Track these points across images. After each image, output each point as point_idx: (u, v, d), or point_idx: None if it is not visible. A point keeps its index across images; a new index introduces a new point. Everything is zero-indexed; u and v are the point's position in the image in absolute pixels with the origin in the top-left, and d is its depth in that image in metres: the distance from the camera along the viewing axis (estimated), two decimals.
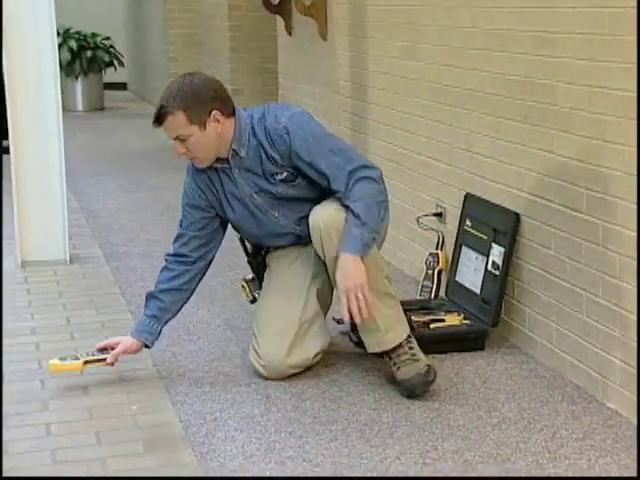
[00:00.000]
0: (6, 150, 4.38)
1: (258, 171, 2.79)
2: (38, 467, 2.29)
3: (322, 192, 2.79)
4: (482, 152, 3.21)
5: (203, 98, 2.70)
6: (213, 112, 2.70)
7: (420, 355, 2.70)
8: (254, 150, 2.78)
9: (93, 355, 2.77)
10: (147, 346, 2.85)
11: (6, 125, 4.03)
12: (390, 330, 2.70)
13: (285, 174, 2.78)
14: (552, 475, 2.23)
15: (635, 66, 2.37)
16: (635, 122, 2.38)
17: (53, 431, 2.47)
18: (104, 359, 2.76)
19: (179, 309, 2.91)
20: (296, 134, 2.71)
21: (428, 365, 2.66)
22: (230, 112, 2.76)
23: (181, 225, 2.90)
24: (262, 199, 2.82)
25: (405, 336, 2.72)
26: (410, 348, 2.71)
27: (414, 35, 3.68)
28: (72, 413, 2.58)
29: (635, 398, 2.44)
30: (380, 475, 2.24)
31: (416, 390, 2.65)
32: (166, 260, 2.90)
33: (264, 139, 2.76)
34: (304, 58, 4.98)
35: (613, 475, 2.23)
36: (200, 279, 2.92)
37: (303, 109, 2.84)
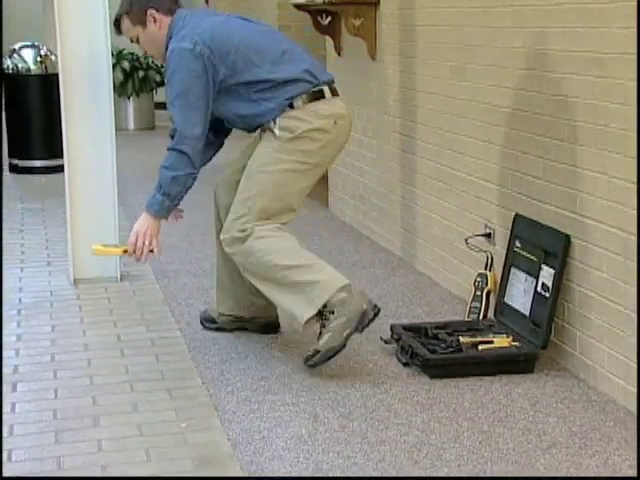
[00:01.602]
0: (60, 169, 4.47)
1: None
2: None
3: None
4: (532, 173, 3.19)
5: (140, 0, 3.09)
6: (149, 11, 3.08)
7: (323, 336, 2.89)
8: None
9: None
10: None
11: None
12: (292, 319, 2.96)
13: None
14: None
15: None
16: None
17: (104, 447, 2.50)
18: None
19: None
20: (166, 68, 3.00)
21: (316, 350, 2.91)
22: (167, 10, 3.09)
23: None
24: None
25: (306, 318, 2.89)
26: (322, 325, 2.91)
27: (464, 55, 3.68)
28: (122, 430, 2.61)
29: None
30: None
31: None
32: None
33: None
34: (353, 78, 5.00)
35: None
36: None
37: (194, 45, 2.94)
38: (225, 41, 2.99)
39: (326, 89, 3.07)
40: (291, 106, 3.01)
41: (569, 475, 2.31)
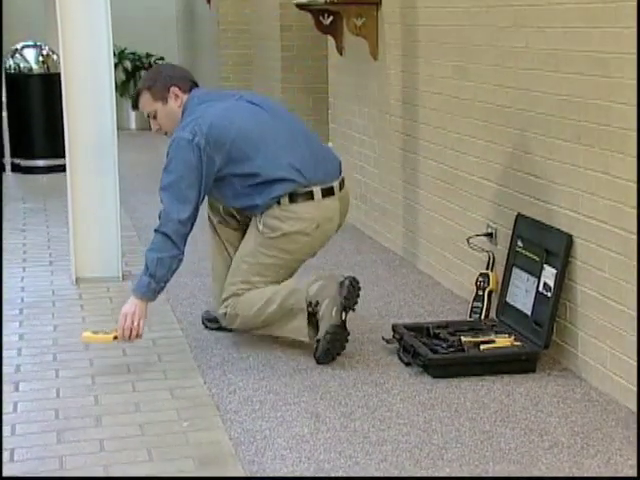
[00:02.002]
0: (62, 168, 4.47)
1: None
2: None
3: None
4: (535, 173, 3.19)
5: (162, 77, 3.20)
6: (171, 88, 3.17)
7: (319, 326, 3.04)
8: None
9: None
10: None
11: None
12: (303, 340, 3.12)
13: None
14: None
15: None
16: None
17: (106, 447, 2.50)
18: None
19: None
20: (167, 154, 3.08)
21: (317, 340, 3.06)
22: (187, 89, 3.19)
23: None
24: None
25: (306, 335, 3.08)
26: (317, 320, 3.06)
27: (466, 55, 3.68)
28: (125, 429, 2.61)
29: None
30: None
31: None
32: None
33: None
34: (355, 78, 5.00)
35: None
36: None
37: (193, 137, 3.01)
38: (222, 132, 3.05)
39: (316, 190, 3.10)
40: (278, 203, 3.08)
41: (571, 475, 2.31)
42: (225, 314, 3.21)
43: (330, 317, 3.00)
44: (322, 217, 3.12)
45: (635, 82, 2.59)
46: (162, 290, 3.10)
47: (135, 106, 3.26)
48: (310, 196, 3.09)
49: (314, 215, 3.10)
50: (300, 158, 3.11)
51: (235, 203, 3.19)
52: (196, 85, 3.25)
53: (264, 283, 3.17)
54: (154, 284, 3.04)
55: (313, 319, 3.09)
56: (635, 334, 2.65)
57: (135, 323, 3.03)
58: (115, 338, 3.06)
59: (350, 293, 3.01)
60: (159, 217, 3.06)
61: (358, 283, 3.06)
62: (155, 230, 3.06)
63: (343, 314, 3.01)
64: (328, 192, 3.13)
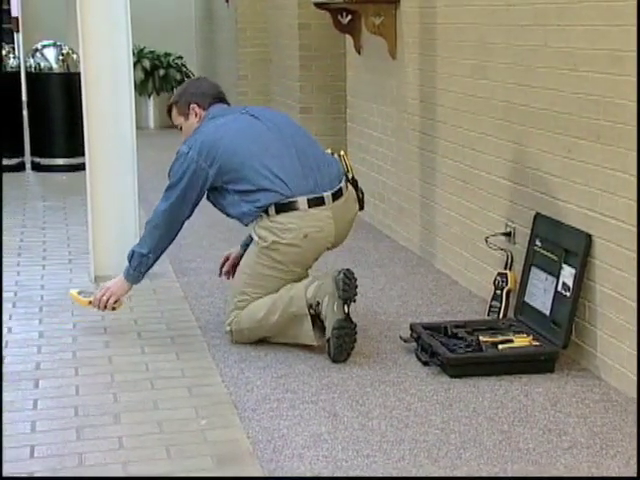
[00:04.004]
0: (82, 167, 4.50)
1: None
2: None
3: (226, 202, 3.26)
4: (553, 172, 3.18)
5: (186, 94, 3.39)
6: (191, 105, 3.35)
7: (325, 325, 3.08)
8: None
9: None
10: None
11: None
12: (310, 344, 3.16)
13: None
14: None
15: None
16: None
17: (125, 444, 2.52)
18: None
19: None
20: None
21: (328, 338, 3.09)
22: (207, 105, 3.34)
23: None
24: None
25: (313, 337, 3.12)
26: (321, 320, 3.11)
27: (484, 54, 3.67)
28: (143, 427, 2.62)
29: None
30: None
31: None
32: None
33: None
34: (373, 76, 5.00)
35: None
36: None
37: (189, 150, 3.19)
38: (212, 146, 3.18)
39: (302, 200, 3.11)
40: (267, 213, 3.14)
41: (589, 475, 2.30)
42: (231, 331, 3.27)
43: (333, 313, 3.02)
44: (309, 227, 3.12)
45: (635, 79, 2.58)
46: (142, 276, 3.34)
47: (170, 117, 3.47)
48: (295, 206, 3.12)
49: (300, 225, 3.11)
50: (287, 169, 3.15)
51: (229, 212, 3.29)
52: (220, 100, 3.37)
53: (263, 294, 3.21)
54: (131, 270, 3.31)
55: (318, 321, 3.11)
56: None
57: (105, 297, 3.31)
58: (90, 303, 3.36)
59: (347, 285, 3.03)
60: (153, 214, 3.31)
61: (353, 274, 3.08)
62: (145, 227, 3.32)
63: (345, 307, 3.04)
64: (316, 202, 3.14)
